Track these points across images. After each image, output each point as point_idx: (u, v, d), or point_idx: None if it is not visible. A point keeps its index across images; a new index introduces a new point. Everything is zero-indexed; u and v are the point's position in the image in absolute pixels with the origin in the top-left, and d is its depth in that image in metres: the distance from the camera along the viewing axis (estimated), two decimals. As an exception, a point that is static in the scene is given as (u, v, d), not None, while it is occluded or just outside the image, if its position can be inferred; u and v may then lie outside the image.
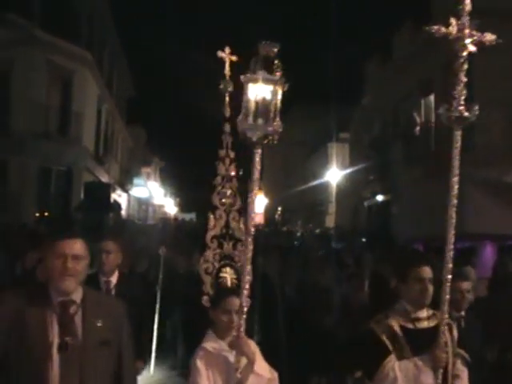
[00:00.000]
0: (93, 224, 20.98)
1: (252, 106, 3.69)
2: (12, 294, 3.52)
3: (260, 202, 77.11)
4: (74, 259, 3.46)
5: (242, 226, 4.75)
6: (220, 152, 4.82)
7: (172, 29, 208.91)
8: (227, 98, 4.87)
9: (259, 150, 3.80)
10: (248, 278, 3.86)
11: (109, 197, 26.87)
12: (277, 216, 59.39)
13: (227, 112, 4.86)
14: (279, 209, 59.48)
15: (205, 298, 4.51)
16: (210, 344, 4.13)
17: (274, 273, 9.15)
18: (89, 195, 24.11)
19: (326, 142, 42.99)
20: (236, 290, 4.25)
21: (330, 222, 39.41)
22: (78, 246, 3.51)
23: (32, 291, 3.50)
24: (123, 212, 34.09)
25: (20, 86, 23.02)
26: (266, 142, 3.74)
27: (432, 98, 19.82)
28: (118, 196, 34.33)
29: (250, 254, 3.88)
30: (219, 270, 4.65)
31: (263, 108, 3.70)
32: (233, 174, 4.87)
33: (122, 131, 39.97)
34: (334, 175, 37.11)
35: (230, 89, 4.83)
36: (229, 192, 4.82)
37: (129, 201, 42.04)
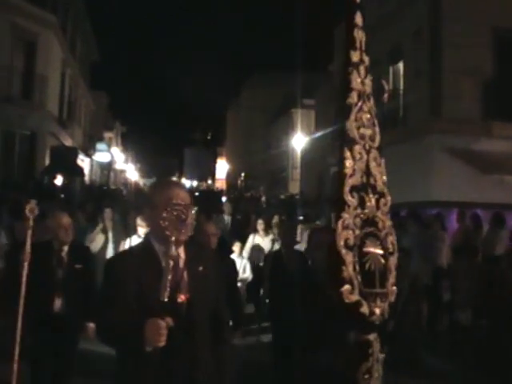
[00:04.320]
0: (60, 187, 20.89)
1: None
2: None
3: (222, 168, 77.26)
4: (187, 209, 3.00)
5: (383, 171, 3.16)
6: (353, 55, 3.22)
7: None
8: None
9: None
10: None
11: (75, 161, 26.68)
12: (239, 182, 59.43)
13: None
14: (242, 175, 59.47)
15: (346, 287, 2.87)
16: None
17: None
18: (56, 159, 23.90)
19: (290, 108, 42.95)
20: None
21: (295, 188, 39.60)
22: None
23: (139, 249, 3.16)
24: (86, 177, 33.81)
25: (-17, 49, 22.48)
26: None
27: (401, 65, 19.93)
28: (81, 161, 33.96)
29: None
30: (363, 242, 2.96)
31: None
32: (369, 90, 3.21)
33: (85, 96, 39.52)
34: (299, 141, 37.07)
35: None
36: (366, 117, 3.19)
37: (91, 165, 41.65)
